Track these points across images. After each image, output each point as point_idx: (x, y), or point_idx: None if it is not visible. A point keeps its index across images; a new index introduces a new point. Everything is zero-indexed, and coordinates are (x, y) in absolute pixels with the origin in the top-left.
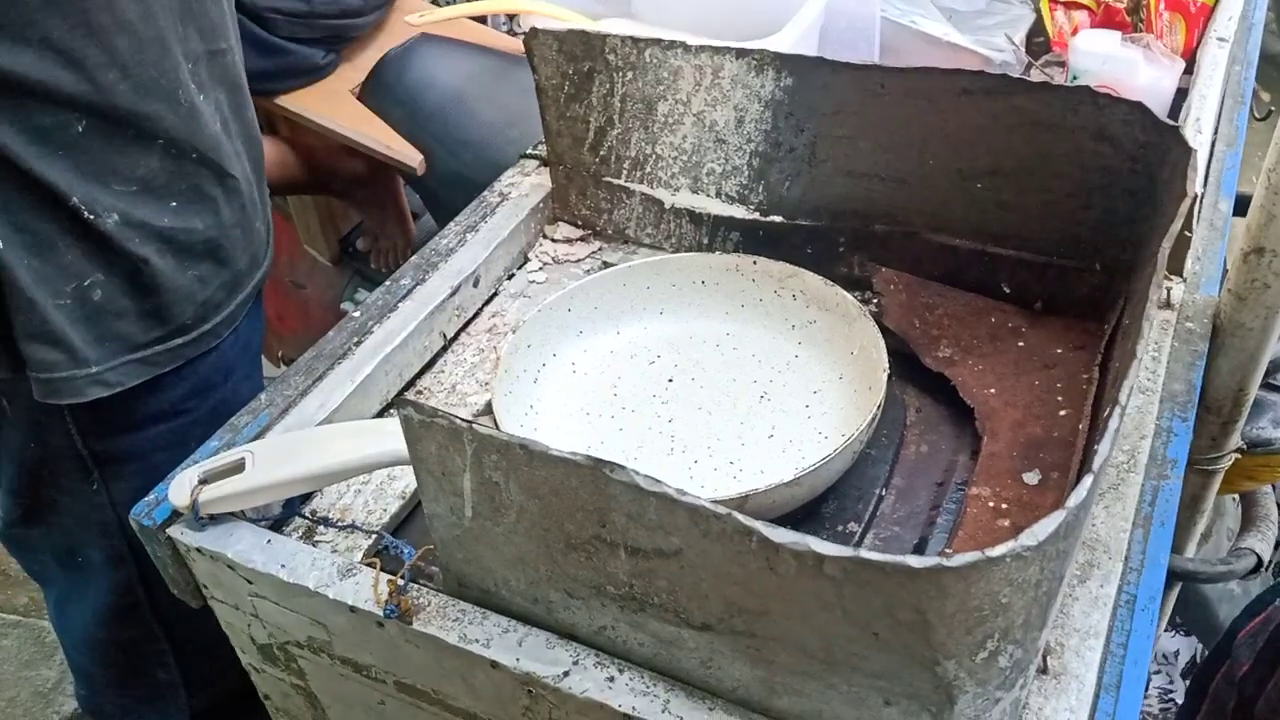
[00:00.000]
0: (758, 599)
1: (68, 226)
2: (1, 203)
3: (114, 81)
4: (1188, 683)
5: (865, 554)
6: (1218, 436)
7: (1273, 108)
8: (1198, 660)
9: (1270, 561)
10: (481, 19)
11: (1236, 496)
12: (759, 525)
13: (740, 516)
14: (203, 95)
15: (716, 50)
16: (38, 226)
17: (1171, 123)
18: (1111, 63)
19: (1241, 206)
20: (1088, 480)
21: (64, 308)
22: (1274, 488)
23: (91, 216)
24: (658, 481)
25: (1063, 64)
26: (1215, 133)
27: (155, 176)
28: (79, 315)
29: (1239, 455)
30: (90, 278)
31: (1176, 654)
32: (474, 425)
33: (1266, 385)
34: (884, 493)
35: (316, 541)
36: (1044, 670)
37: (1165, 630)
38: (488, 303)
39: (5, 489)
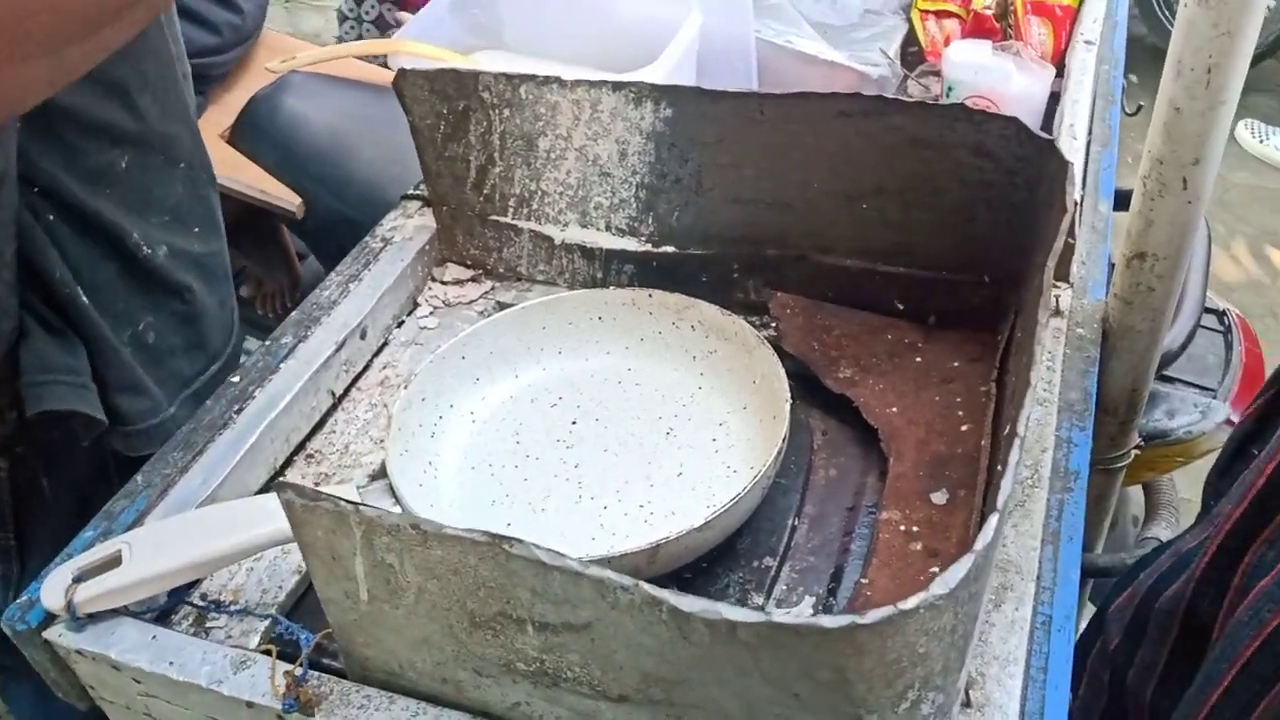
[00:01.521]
0: (673, 668)
1: (125, 267)
2: (70, 253)
3: (148, 106)
4: None
5: (777, 618)
6: (1116, 435)
7: (1141, 103)
8: None
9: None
10: None
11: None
12: (668, 595)
13: (647, 587)
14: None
15: (593, 84)
16: (99, 272)
17: (1046, 136)
18: (984, 73)
19: (1121, 201)
20: (993, 520)
21: (132, 355)
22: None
23: (148, 251)
24: (559, 555)
25: (938, 73)
26: (1090, 134)
27: (181, 203)
28: (142, 360)
29: (1138, 450)
30: (143, 320)
31: None
32: (360, 507)
33: (1159, 378)
34: (796, 522)
35: (209, 628)
36: (967, 704)
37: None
38: (377, 354)
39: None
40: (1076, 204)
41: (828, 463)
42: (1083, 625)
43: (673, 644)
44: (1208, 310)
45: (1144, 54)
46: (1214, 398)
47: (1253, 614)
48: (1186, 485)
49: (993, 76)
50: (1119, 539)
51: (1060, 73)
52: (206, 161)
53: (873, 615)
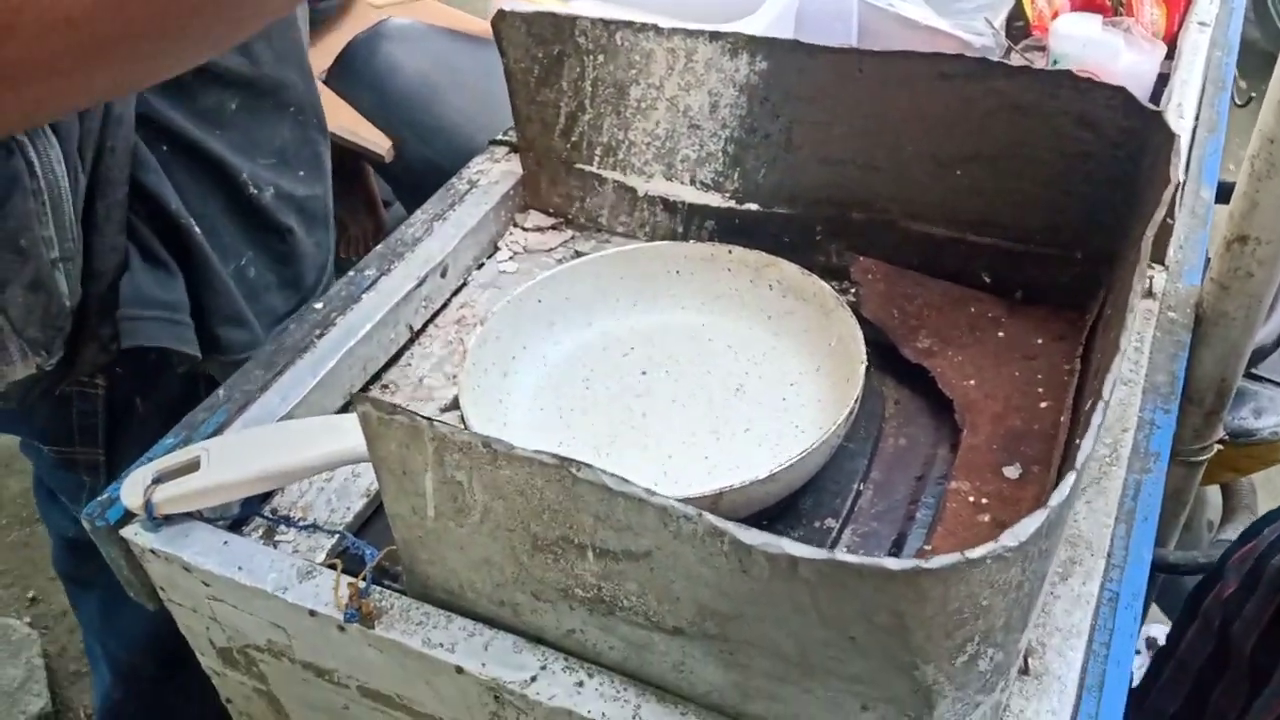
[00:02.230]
0: (730, 602)
1: (232, 204)
2: (182, 186)
3: (261, 50)
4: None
5: (840, 556)
6: (1201, 428)
7: (1253, 94)
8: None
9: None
10: None
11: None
12: (731, 526)
13: (711, 518)
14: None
15: (690, 33)
16: (208, 206)
17: (1154, 107)
18: (1092, 47)
19: (1223, 194)
20: (1070, 478)
21: (234, 289)
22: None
23: (255, 190)
24: (626, 481)
25: (1043, 48)
26: (1196, 119)
27: (288, 146)
28: (244, 294)
29: (1221, 446)
30: (245, 255)
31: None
32: (434, 423)
33: (1248, 375)
34: (862, 487)
35: (277, 542)
36: (1025, 671)
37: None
38: (456, 293)
39: None
40: (1179, 183)
41: (898, 431)
42: (1146, 631)
43: (732, 577)
44: None
45: (1256, 58)
46: None
47: None
48: (1267, 497)
49: (1101, 52)
50: (1193, 541)
51: (1171, 54)
52: (317, 106)
53: (938, 561)
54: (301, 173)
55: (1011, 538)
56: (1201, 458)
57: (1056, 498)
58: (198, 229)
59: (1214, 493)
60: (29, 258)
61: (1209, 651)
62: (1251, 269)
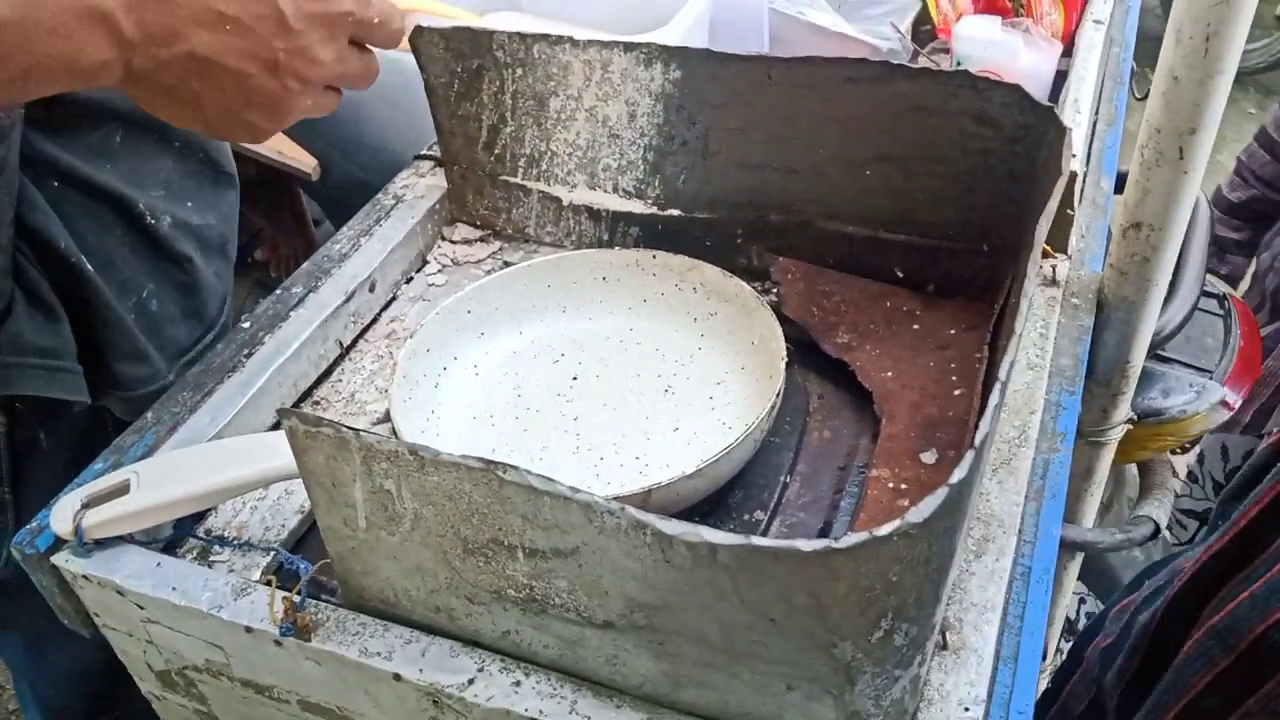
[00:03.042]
0: (656, 593)
1: (130, 235)
2: (75, 221)
3: None
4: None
5: (756, 541)
6: (1108, 408)
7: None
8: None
9: (1166, 526)
10: None
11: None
12: (651, 518)
13: (633, 511)
14: None
15: (604, 44)
16: (105, 240)
17: (1047, 104)
18: (993, 48)
19: (1122, 184)
20: (969, 455)
21: (134, 322)
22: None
23: (153, 220)
24: (551, 480)
25: (948, 50)
26: (1096, 113)
27: (172, 179)
28: (143, 327)
29: (1131, 426)
30: (146, 288)
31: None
32: (360, 433)
33: (1156, 357)
34: (788, 480)
35: (212, 562)
36: (943, 646)
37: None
38: (385, 308)
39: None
40: (1076, 175)
41: (822, 425)
42: (1066, 603)
43: (656, 568)
44: (1208, 294)
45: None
46: (1210, 379)
47: (1202, 651)
48: None
49: (1001, 52)
50: (1114, 523)
51: (1069, 52)
52: (205, 142)
53: (848, 540)
54: (189, 203)
55: (916, 514)
56: (1109, 438)
57: (957, 475)
58: (89, 266)
59: (1134, 472)
60: None
61: (1089, 699)
62: (1146, 254)
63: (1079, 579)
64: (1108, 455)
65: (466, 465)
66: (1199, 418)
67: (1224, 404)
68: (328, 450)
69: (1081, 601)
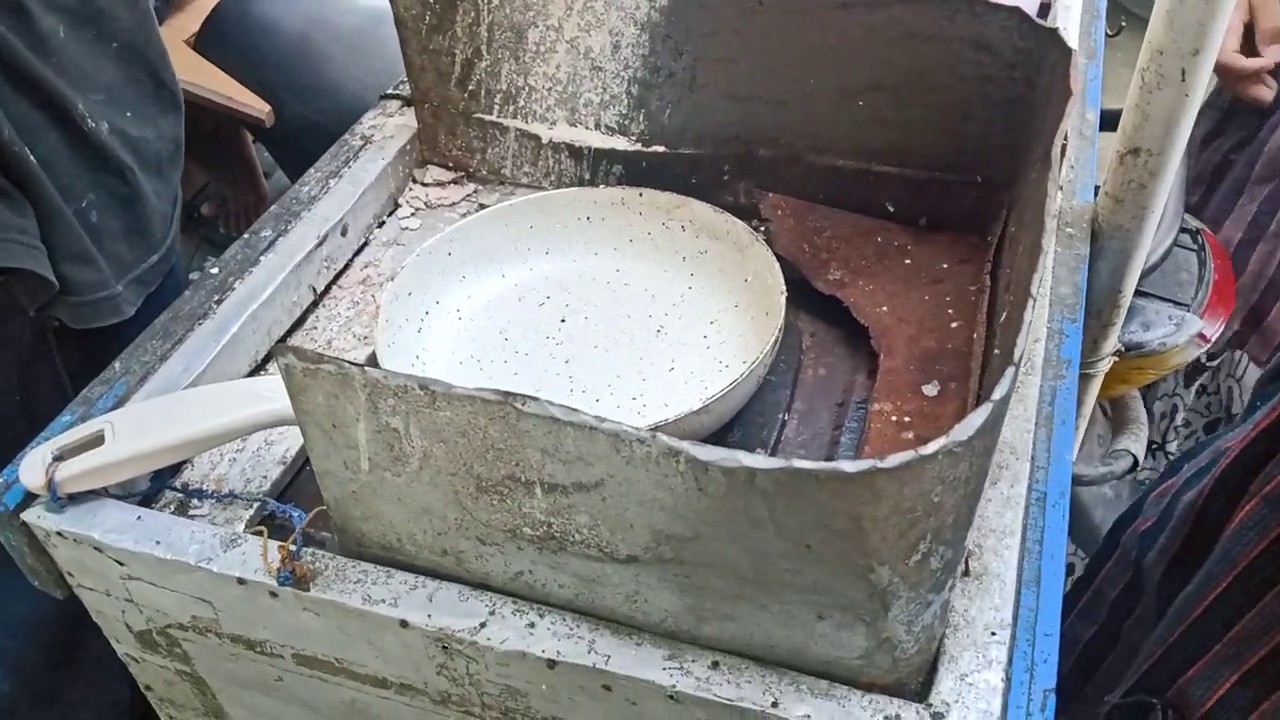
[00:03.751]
0: (686, 523)
1: (69, 137)
2: (15, 117)
3: None
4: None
5: (798, 463)
6: (1098, 339)
7: (1123, 23)
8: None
9: (1141, 461)
10: None
11: (1104, 406)
12: (686, 445)
13: (665, 438)
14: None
15: None
16: (45, 138)
17: (1050, 25)
18: None
19: (1105, 122)
20: (1009, 372)
21: (78, 226)
22: (1166, 395)
23: (91, 124)
24: (574, 410)
25: None
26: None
27: (114, 83)
28: (88, 238)
29: (1116, 358)
30: (86, 198)
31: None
32: (365, 369)
33: (1136, 292)
34: (786, 417)
35: (192, 516)
36: (967, 572)
37: None
38: (358, 253)
39: None
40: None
41: (816, 362)
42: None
43: (688, 497)
44: (1182, 230)
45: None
46: (1188, 311)
47: (1256, 520)
48: None
49: None
50: (1087, 457)
51: None
52: (149, 49)
53: (894, 459)
54: (129, 113)
55: (961, 431)
56: (1099, 369)
57: (999, 391)
58: (33, 158)
59: (1098, 410)
60: None
61: (1125, 582)
62: (1144, 180)
63: None
64: (1095, 387)
65: (483, 398)
66: (1177, 350)
67: (1200, 336)
68: (329, 388)
69: None
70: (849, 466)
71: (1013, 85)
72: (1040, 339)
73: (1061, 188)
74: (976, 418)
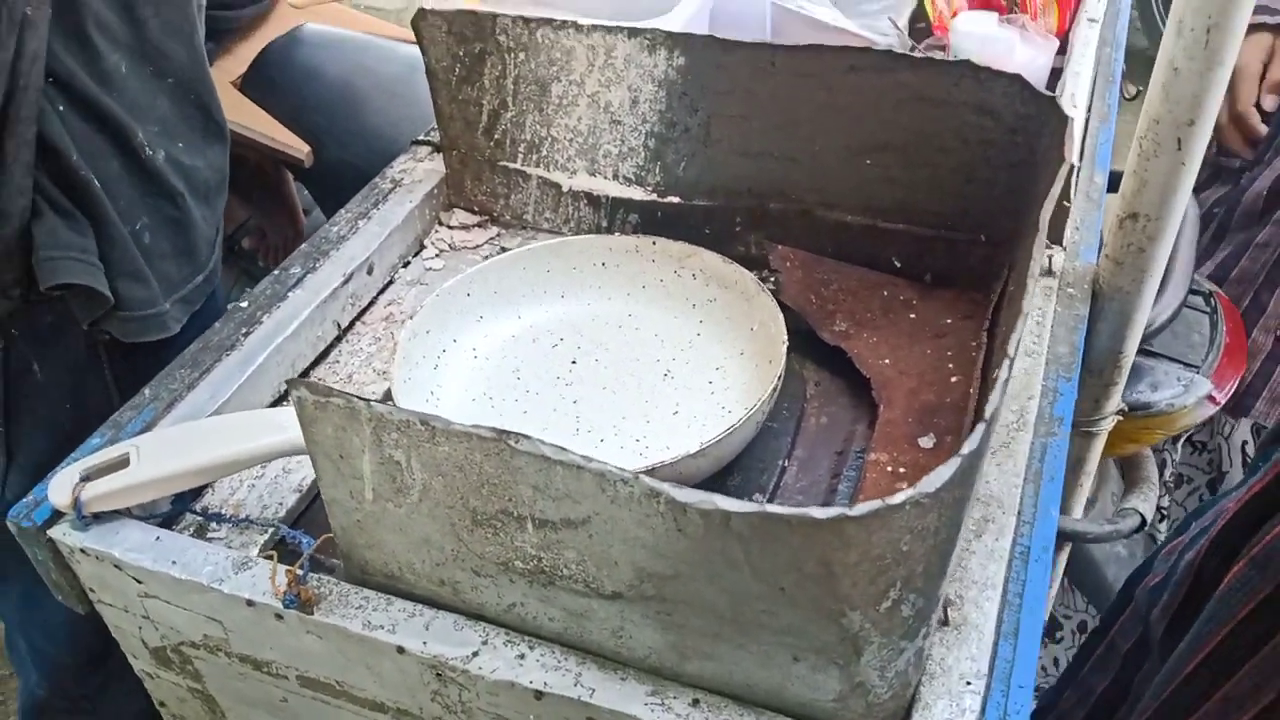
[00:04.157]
0: (667, 562)
1: (128, 164)
2: (80, 143)
3: (148, 17)
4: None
5: (770, 508)
6: (1100, 398)
7: (1142, 88)
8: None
9: (1150, 521)
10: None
11: (1116, 462)
12: (666, 486)
13: (647, 479)
14: (204, 42)
15: (609, 29)
16: (106, 164)
17: (1049, 93)
18: (989, 43)
19: (1113, 183)
20: (980, 428)
21: (133, 245)
22: (1155, 450)
23: (149, 152)
24: (563, 449)
25: (944, 47)
26: (1089, 110)
27: (167, 116)
28: (141, 256)
29: (1120, 418)
30: (140, 220)
31: (1055, 661)
32: (371, 403)
33: (1144, 352)
34: (786, 464)
35: (210, 539)
36: (945, 622)
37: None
38: (383, 291)
39: (24, 466)
40: (1074, 167)
41: (819, 411)
42: (1053, 594)
43: (668, 536)
44: (1195, 292)
45: (1141, 63)
46: (1197, 373)
47: (1243, 581)
48: None
49: (997, 47)
50: (1100, 513)
51: (1063, 49)
52: (200, 85)
53: (861, 508)
54: (181, 144)
55: (928, 484)
56: (1101, 427)
57: (968, 446)
58: (96, 181)
59: (1113, 469)
60: None
61: (1136, 636)
62: (1142, 244)
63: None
64: (1098, 446)
65: (479, 435)
66: (1185, 411)
67: (1210, 398)
68: (337, 421)
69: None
70: (818, 513)
71: (1015, 149)
72: (1034, 396)
73: (1065, 248)
74: (945, 470)
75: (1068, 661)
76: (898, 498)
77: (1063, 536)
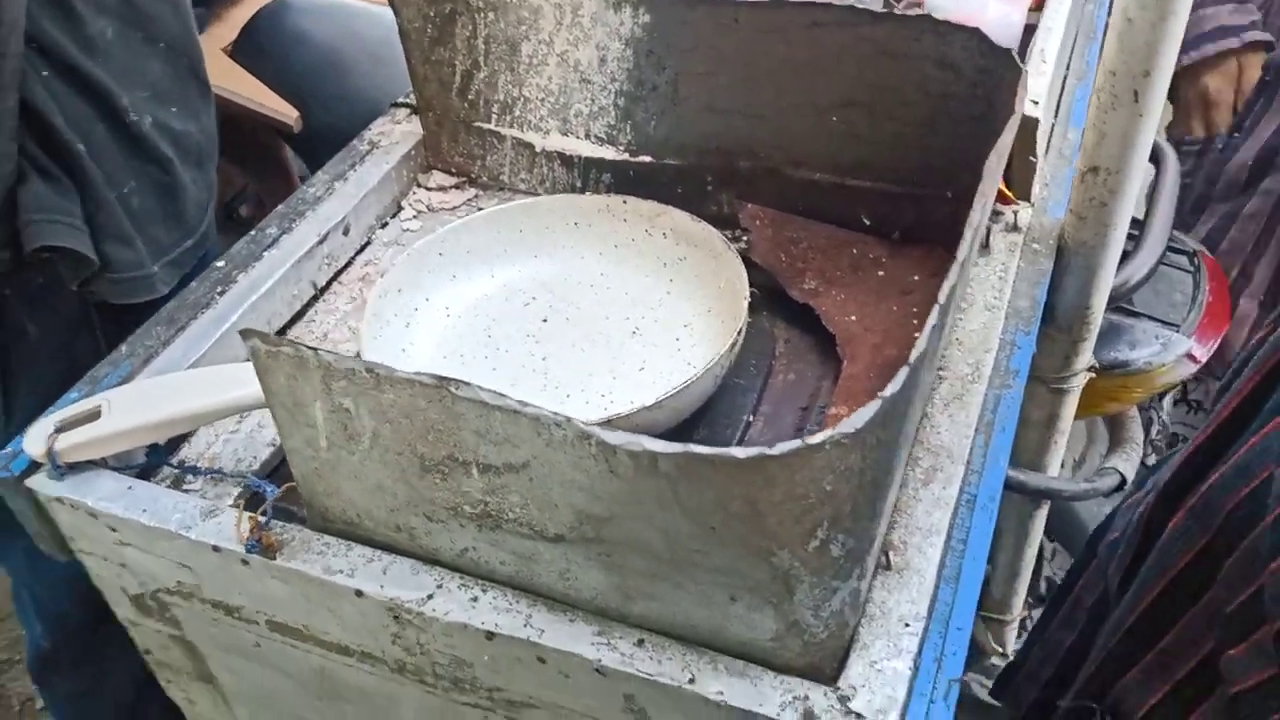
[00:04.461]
0: (603, 504)
1: (115, 130)
2: (66, 109)
3: None
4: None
5: (694, 448)
6: (1069, 355)
7: None
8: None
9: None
10: None
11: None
12: (595, 429)
13: (578, 422)
14: (194, 7)
15: None
16: (92, 130)
17: (1004, 47)
18: (962, 1)
19: None
20: (903, 371)
21: (119, 209)
22: (1141, 409)
23: (134, 118)
24: (501, 395)
25: (920, 4)
26: (1067, 67)
27: (159, 81)
28: (129, 220)
29: (1094, 375)
30: (128, 184)
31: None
32: (319, 352)
33: (1122, 310)
34: (751, 419)
35: (186, 490)
36: (887, 566)
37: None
38: (360, 252)
39: (22, 425)
40: (1039, 122)
41: (787, 368)
42: (1032, 554)
43: (602, 478)
44: (1179, 251)
45: None
46: (1177, 331)
47: (1182, 531)
48: None
49: (970, 4)
50: (1087, 474)
51: (1042, 8)
52: (190, 48)
53: (781, 447)
54: (174, 109)
55: (849, 424)
56: (1072, 385)
57: (891, 389)
58: (81, 147)
59: (1103, 429)
60: None
61: (1099, 591)
62: (1104, 198)
63: (1049, 534)
64: (1071, 403)
65: (420, 382)
66: (1164, 370)
67: (1190, 357)
68: (288, 370)
69: (1051, 557)
70: (740, 452)
71: (975, 103)
72: (992, 350)
73: (1033, 204)
74: (865, 412)
75: None
76: (817, 437)
77: (1038, 493)
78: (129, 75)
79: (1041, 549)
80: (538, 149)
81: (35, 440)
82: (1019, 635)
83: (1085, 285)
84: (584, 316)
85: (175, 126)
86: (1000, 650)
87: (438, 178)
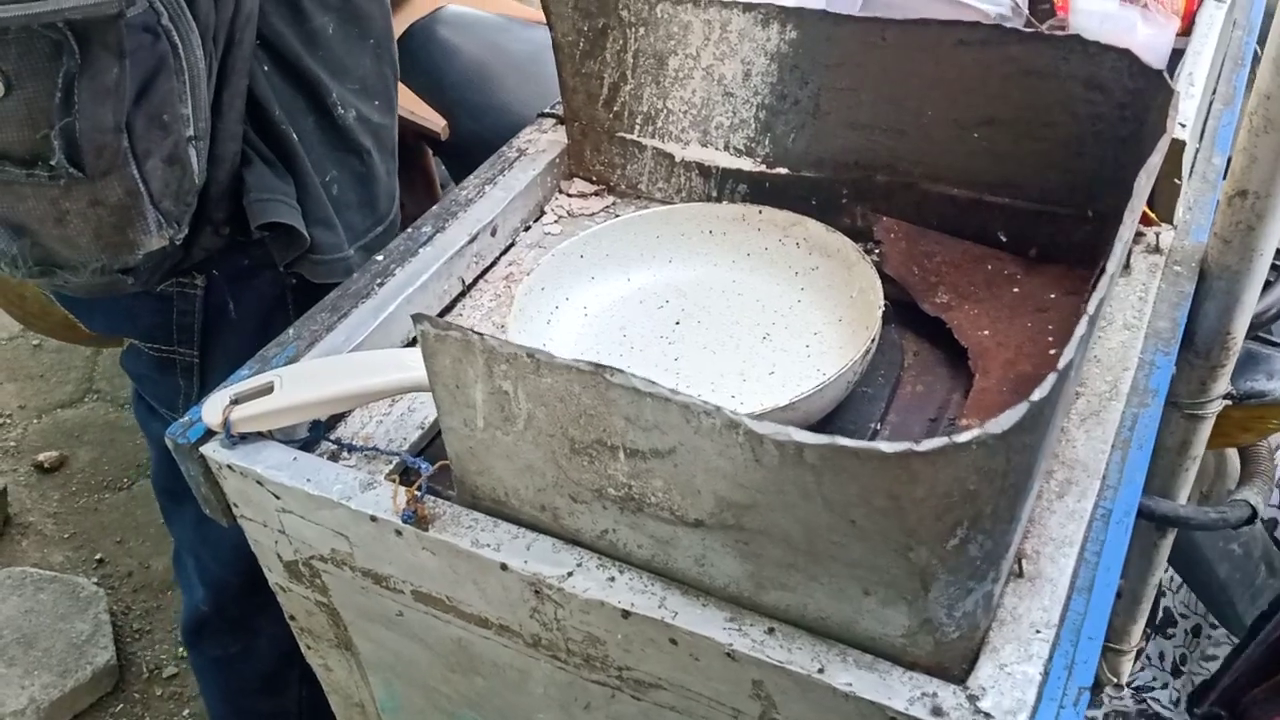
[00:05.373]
0: (745, 492)
1: (322, 121)
2: (284, 101)
3: None
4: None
5: (841, 441)
6: (1206, 380)
7: None
8: (1179, 661)
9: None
10: None
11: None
12: (744, 419)
13: (728, 411)
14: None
15: (725, 5)
16: (302, 122)
17: (1156, 68)
18: (1109, 22)
19: None
20: (1051, 377)
21: (324, 195)
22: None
23: (341, 110)
24: (653, 383)
25: (1064, 27)
26: (1213, 92)
27: (368, 75)
28: (329, 206)
29: (1230, 404)
30: (329, 173)
31: (1162, 655)
32: (485, 337)
33: (1262, 339)
34: (879, 427)
35: (341, 464)
36: (1020, 574)
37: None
38: (505, 252)
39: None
40: (1185, 144)
41: (916, 379)
42: (1156, 581)
43: (746, 467)
44: None
45: None
46: None
47: None
48: None
49: (1118, 26)
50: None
51: (1189, 33)
52: (393, 48)
53: (927, 444)
54: (376, 102)
55: (995, 426)
56: (1207, 411)
57: (1038, 394)
58: (295, 135)
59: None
60: (169, 133)
61: None
62: (1251, 222)
63: (1173, 566)
64: (1205, 430)
65: (578, 368)
66: None
67: None
68: (454, 353)
69: (1176, 590)
70: (886, 447)
71: (1123, 124)
72: (1130, 369)
73: (1175, 227)
74: (1013, 414)
75: (1175, 660)
76: (964, 436)
77: (1166, 521)
78: (342, 70)
79: (1162, 581)
80: (677, 159)
81: (212, 411)
82: (1135, 665)
83: (1226, 310)
84: (716, 321)
85: (375, 120)
86: (1115, 680)
87: (579, 185)
